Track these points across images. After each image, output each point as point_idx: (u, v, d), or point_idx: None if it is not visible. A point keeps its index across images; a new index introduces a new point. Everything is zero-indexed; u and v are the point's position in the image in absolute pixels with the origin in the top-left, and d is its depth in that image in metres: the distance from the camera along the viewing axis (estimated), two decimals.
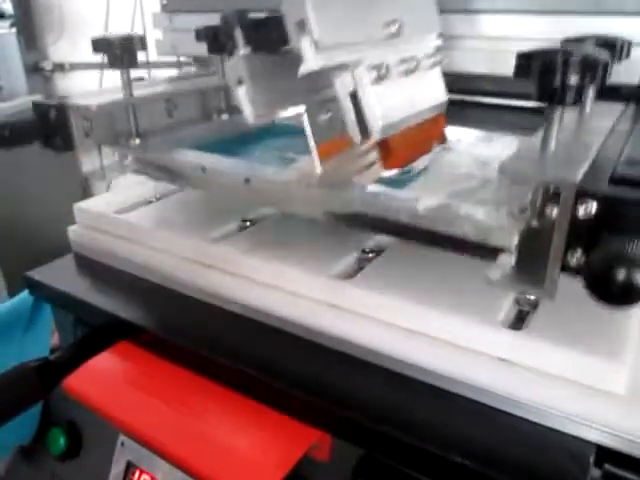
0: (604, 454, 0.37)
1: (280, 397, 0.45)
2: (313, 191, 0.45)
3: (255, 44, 0.42)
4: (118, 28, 1.50)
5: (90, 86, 1.75)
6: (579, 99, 0.33)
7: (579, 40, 0.49)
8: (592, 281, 0.31)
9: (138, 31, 1.43)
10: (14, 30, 1.77)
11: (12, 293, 0.67)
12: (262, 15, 0.41)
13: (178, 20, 0.87)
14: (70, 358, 0.53)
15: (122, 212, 0.64)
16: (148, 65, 1.58)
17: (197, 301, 0.55)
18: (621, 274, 0.29)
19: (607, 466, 0.37)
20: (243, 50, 0.42)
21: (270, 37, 0.40)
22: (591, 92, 0.46)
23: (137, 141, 0.60)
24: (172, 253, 0.57)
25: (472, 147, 0.60)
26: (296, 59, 0.38)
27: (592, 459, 0.36)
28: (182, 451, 0.45)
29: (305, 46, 0.37)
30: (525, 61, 0.34)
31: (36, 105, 0.55)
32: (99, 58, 1.64)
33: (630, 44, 0.51)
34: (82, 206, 0.65)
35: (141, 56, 0.58)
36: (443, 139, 0.52)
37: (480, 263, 0.50)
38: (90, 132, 0.57)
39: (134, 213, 0.64)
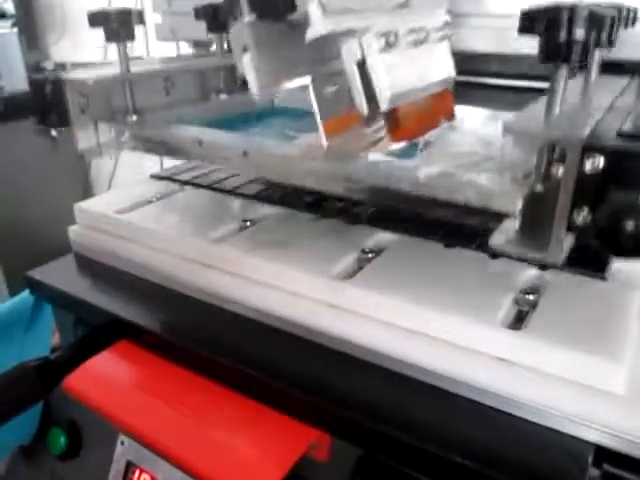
0: (603, 454, 0.37)
1: (280, 397, 0.45)
2: (313, 162, 0.44)
3: (260, 11, 0.40)
4: None
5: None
6: (584, 59, 0.32)
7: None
8: (601, 235, 0.30)
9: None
10: (15, 30, 1.77)
11: (13, 293, 0.67)
12: None
13: (177, 4, 0.85)
14: (70, 358, 0.53)
15: (122, 212, 0.64)
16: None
17: (197, 301, 0.55)
18: (630, 225, 0.29)
19: (606, 466, 0.37)
20: (248, 17, 0.41)
21: (276, 3, 0.38)
22: (597, 56, 0.45)
23: (134, 118, 0.59)
24: (172, 253, 0.57)
25: (477, 126, 0.59)
26: (302, 28, 0.37)
27: (591, 459, 0.36)
28: (182, 450, 0.45)
29: (312, 9, 0.36)
30: (529, 18, 0.33)
31: (32, 80, 0.54)
32: (101, 57, 1.64)
33: (636, 12, 0.49)
34: (82, 206, 0.65)
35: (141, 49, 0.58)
36: (451, 115, 0.51)
37: (479, 262, 0.50)
38: (86, 108, 0.56)
39: (134, 213, 0.64)
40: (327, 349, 0.47)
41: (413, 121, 0.46)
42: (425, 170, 0.39)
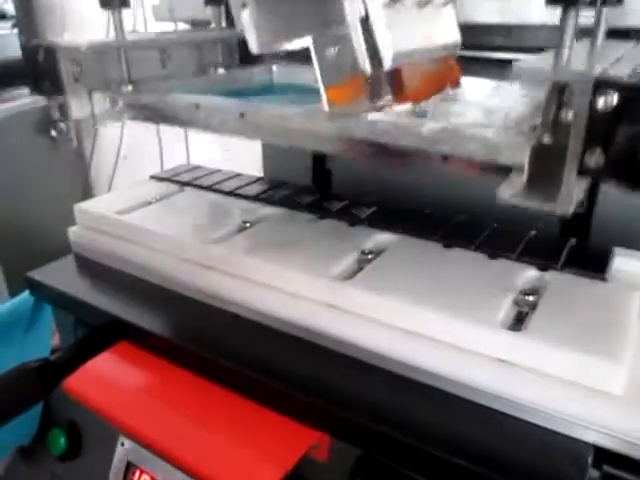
0: (602, 455, 0.37)
1: (279, 398, 0.45)
2: (313, 122, 0.43)
3: None
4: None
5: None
6: None
7: None
8: (617, 171, 0.30)
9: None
10: (16, 31, 1.77)
11: (13, 293, 0.67)
12: None
13: None
14: (70, 359, 0.53)
15: (122, 213, 0.64)
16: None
17: (197, 302, 0.55)
18: None
19: (605, 467, 0.37)
20: None
21: None
22: (604, 16, 0.44)
23: (129, 88, 0.58)
24: (172, 254, 0.57)
25: (480, 97, 0.58)
26: None
27: (590, 460, 0.36)
28: (182, 451, 0.45)
29: None
30: None
31: (24, 46, 0.54)
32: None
33: None
34: (82, 207, 0.66)
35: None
36: (457, 82, 0.51)
37: (479, 263, 0.50)
38: (80, 76, 0.55)
39: (134, 214, 0.64)
40: (327, 350, 0.47)
41: (417, 84, 0.45)
42: (428, 126, 0.38)
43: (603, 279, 0.47)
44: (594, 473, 0.37)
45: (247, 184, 0.71)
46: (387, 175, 0.75)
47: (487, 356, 0.41)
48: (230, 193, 0.68)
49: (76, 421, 0.62)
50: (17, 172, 1.59)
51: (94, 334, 0.56)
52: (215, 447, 0.45)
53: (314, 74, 0.43)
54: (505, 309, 0.44)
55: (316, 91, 0.43)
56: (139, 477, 0.54)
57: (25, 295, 0.65)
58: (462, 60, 0.49)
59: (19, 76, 0.55)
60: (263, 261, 0.52)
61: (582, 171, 0.32)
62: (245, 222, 0.60)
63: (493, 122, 0.44)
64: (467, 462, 0.37)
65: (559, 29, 0.34)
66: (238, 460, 0.43)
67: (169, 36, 0.68)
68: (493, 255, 0.51)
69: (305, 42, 0.43)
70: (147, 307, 0.55)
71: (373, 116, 0.42)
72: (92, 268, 0.63)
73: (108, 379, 0.53)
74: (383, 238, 0.56)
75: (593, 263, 0.49)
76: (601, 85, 0.30)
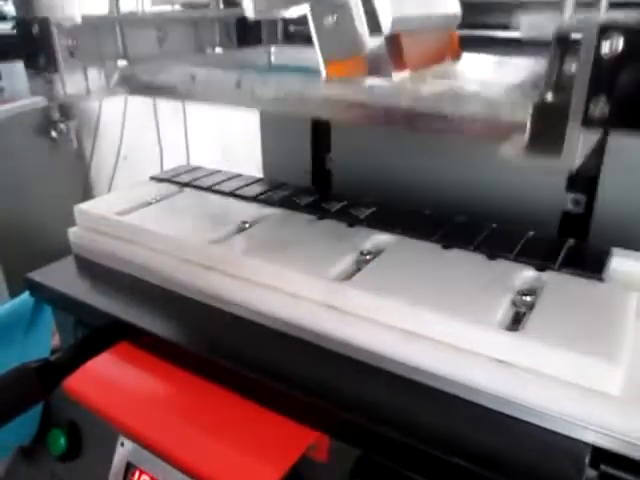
0: (600, 455, 0.37)
1: (278, 398, 0.45)
2: (310, 86, 0.43)
3: None
4: None
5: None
6: None
7: None
8: (624, 117, 0.29)
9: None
10: (16, 32, 1.77)
11: (13, 294, 0.67)
12: None
13: None
14: (70, 359, 0.53)
15: (122, 214, 0.64)
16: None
17: (196, 302, 0.55)
18: None
19: (603, 467, 0.37)
20: None
21: None
22: None
23: (124, 62, 0.57)
24: (172, 255, 0.57)
25: (480, 71, 0.58)
26: None
27: (588, 460, 0.37)
28: (181, 451, 0.45)
29: None
30: None
31: (18, 21, 0.53)
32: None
33: None
34: (82, 207, 0.66)
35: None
36: (457, 55, 0.51)
37: (477, 264, 0.50)
38: (75, 51, 0.54)
39: (134, 215, 0.64)
40: (325, 350, 0.48)
41: (417, 53, 0.45)
42: (428, 88, 0.38)
43: (600, 279, 0.48)
44: (591, 473, 0.37)
45: (247, 185, 0.71)
46: (386, 175, 0.75)
47: (485, 356, 0.41)
48: (230, 194, 0.68)
49: (76, 421, 0.63)
50: (17, 173, 1.59)
51: (94, 334, 0.56)
52: (214, 447, 0.45)
53: (313, 55, 0.42)
54: (503, 309, 0.44)
55: (315, 72, 0.43)
56: (139, 477, 0.54)
57: (25, 296, 0.65)
58: (464, 40, 0.49)
59: (13, 51, 0.54)
60: (262, 261, 0.52)
61: (586, 122, 0.31)
62: (244, 223, 0.60)
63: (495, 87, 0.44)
64: (465, 462, 0.37)
65: None
66: (237, 460, 0.44)
67: (166, 14, 0.67)
68: (492, 256, 0.51)
69: (303, 10, 0.42)
70: (147, 307, 0.56)
71: (372, 81, 0.42)
72: (92, 269, 0.63)
73: (108, 379, 0.53)
74: (382, 239, 0.56)
75: (591, 263, 0.50)
76: (606, 29, 0.30)
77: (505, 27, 0.63)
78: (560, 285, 0.47)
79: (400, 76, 0.44)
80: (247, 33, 0.73)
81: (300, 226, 0.59)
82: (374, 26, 0.40)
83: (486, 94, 0.36)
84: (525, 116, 0.34)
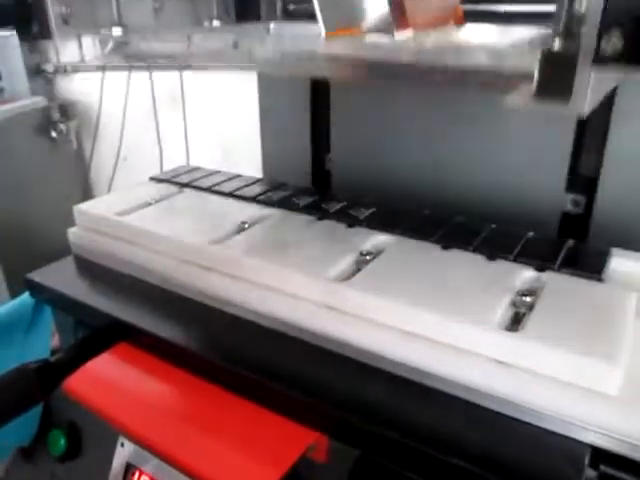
0: (599, 455, 0.37)
1: (278, 398, 0.45)
2: (309, 44, 0.43)
3: None
4: None
5: (91, 88, 1.76)
6: None
7: None
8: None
9: None
10: (16, 32, 1.78)
11: (14, 294, 0.67)
12: None
13: None
14: (70, 360, 0.53)
15: (122, 214, 0.64)
16: (149, 67, 1.58)
17: (196, 303, 0.55)
18: None
19: (602, 467, 0.37)
20: None
21: None
22: None
23: (119, 30, 0.56)
24: (171, 255, 0.57)
25: (485, 36, 0.56)
26: None
27: (587, 460, 0.37)
28: (181, 452, 0.45)
29: None
30: None
31: None
32: (101, 60, 1.64)
33: None
34: (82, 208, 0.66)
35: None
36: (461, 21, 0.50)
37: (477, 264, 0.50)
38: (69, 19, 0.53)
39: (134, 215, 0.64)
40: (325, 351, 0.48)
41: (420, 14, 0.44)
42: (430, 41, 0.37)
43: (600, 280, 0.48)
44: (591, 473, 0.37)
45: (246, 185, 0.71)
46: (386, 176, 0.75)
47: (484, 357, 0.41)
48: (229, 194, 0.68)
49: (76, 422, 0.63)
50: (17, 173, 1.59)
51: (94, 335, 0.56)
52: (214, 448, 0.45)
53: (312, 33, 0.42)
54: (502, 310, 0.44)
55: None
56: (138, 478, 0.55)
57: (25, 296, 0.65)
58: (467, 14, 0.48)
59: (6, 18, 0.53)
60: (262, 262, 0.52)
61: (598, 60, 0.30)
62: (244, 223, 0.60)
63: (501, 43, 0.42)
64: (465, 462, 0.37)
65: None
66: (237, 460, 0.44)
67: None
68: (491, 256, 0.51)
69: None
70: (146, 308, 0.56)
71: (372, 37, 0.41)
72: (92, 269, 0.63)
73: (108, 380, 0.53)
74: (381, 239, 0.56)
75: (590, 264, 0.50)
76: None
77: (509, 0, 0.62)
78: (560, 285, 0.47)
79: (402, 35, 0.43)
80: (246, 9, 0.72)
81: (300, 227, 0.59)
82: None
83: (491, 45, 0.35)
84: (532, 65, 0.32)
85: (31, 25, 0.50)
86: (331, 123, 0.79)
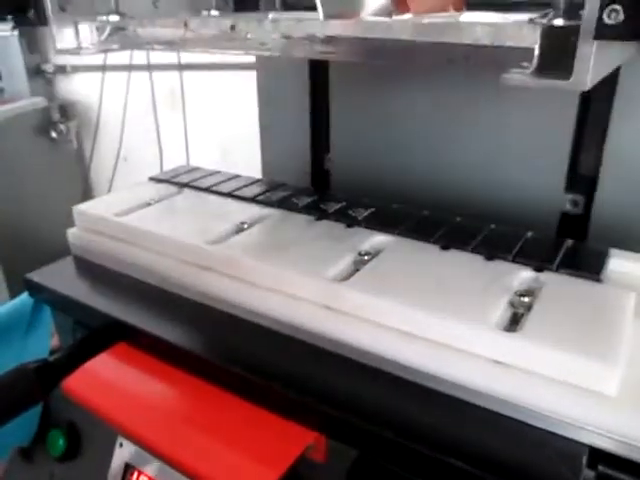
0: (598, 455, 0.37)
1: (276, 399, 0.45)
2: (308, 25, 0.42)
3: None
4: None
5: (91, 88, 1.76)
6: None
7: None
8: None
9: None
10: (16, 33, 1.78)
11: (14, 295, 0.67)
12: None
13: None
14: (69, 360, 0.53)
15: (121, 215, 0.64)
16: (149, 68, 1.58)
17: (195, 303, 0.55)
18: None
19: (601, 467, 0.37)
20: None
21: None
22: None
23: (116, 17, 0.56)
24: (170, 255, 0.57)
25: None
26: None
27: (585, 460, 0.37)
28: (179, 452, 0.45)
29: None
30: None
31: None
32: (100, 60, 1.65)
33: None
34: (81, 208, 0.66)
35: None
36: (460, 7, 0.50)
37: (475, 264, 0.50)
38: (66, 5, 0.53)
39: (133, 216, 0.64)
40: (323, 351, 0.48)
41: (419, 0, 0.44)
42: (428, 19, 0.37)
43: (598, 280, 0.48)
44: (589, 473, 0.37)
45: (245, 185, 0.71)
46: (385, 176, 0.76)
47: (482, 357, 0.41)
48: (229, 194, 0.69)
49: (75, 422, 0.63)
50: (17, 174, 1.59)
51: (93, 335, 0.56)
52: (212, 448, 0.45)
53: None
54: (501, 310, 0.44)
55: None
56: (137, 478, 0.55)
57: (24, 296, 0.65)
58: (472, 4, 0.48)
59: (2, 5, 0.53)
60: (260, 262, 0.52)
61: (600, 35, 0.30)
62: (243, 223, 0.60)
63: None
64: (462, 463, 0.37)
65: None
66: (235, 460, 0.44)
67: None
68: (490, 256, 0.51)
69: None
70: (145, 308, 0.56)
71: (371, 17, 0.41)
72: (91, 270, 0.63)
73: (107, 380, 0.53)
74: (380, 239, 0.56)
75: (589, 264, 0.50)
76: None
77: None
78: (558, 286, 0.47)
79: (402, 18, 0.43)
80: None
81: (298, 227, 0.59)
82: None
83: (492, 22, 0.35)
84: (533, 41, 0.32)
85: (27, 12, 0.50)
86: (330, 123, 0.79)
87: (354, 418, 0.41)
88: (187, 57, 1.56)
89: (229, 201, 0.67)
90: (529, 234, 0.55)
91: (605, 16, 0.30)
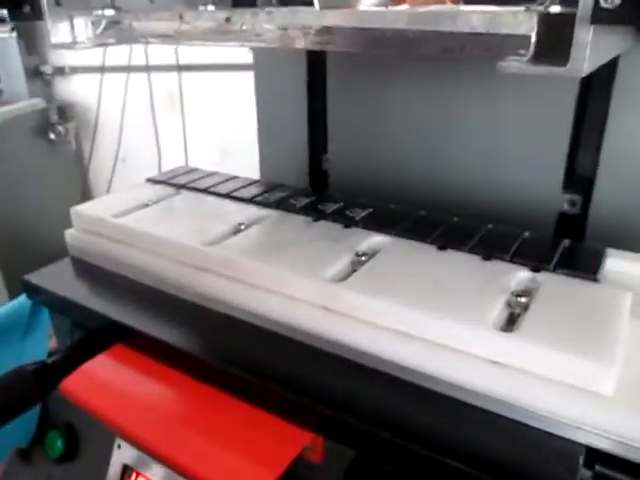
0: (594, 455, 0.37)
1: (274, 399, 0.45)
2: (304, 15, 0.42)
3: None
4: None
5: (90, 89, 1.76)
6: None
7: None
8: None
9: None
10: (15, 34, 1.78)
11: (13, 296, 0.67)
12: None
13: None
14: (67, 361, 0.53)
15: (119, 216, 0.64)
16: (147, 69, 1.58)
17: (192, 304, 0.55)
18: None
19: (597, 467, 0.37)
20: None
21: None
22: None
23: (112, 12, 0.56)
24: (168, 256, 0.57)
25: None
26: None
27: (582, 460, 0.37)
28: (177, 453, 0.45)
29: None
30: None
31: None
32: (99, 61, 1.65)
33: None
34: (79, 209, 0.66)
35: None
36: (457, 1, 0.51)
37: (472, 265, 0.50)
38: (62, 0, 0.53)
39: (130, 217, 0.64)
40: (321, 352, 0.48)
41: None
42: (425, 8, 0.37)
43: (595, 280, 0.48)
44: (586, 473, 0.37)
45: (243, 186, 0.71)
46: (383, 176, 0.76)
47: (479, 357, 0.41)
48: (226, 195, 0.69)
49: (73, 424, 0.63)
50: (16, 175, 1.59)
51: (91, 337, 0.56)
52: (210, 449, 0.45)
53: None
54: (497, 310, 0.44)
55: None
56: (135, 479, 0.55)
57: (22, 298, 0.65)
58: None
59: None
60: (258, 263, 0.52)
61: (596, 19, 0.30)
62: (241, 224, 0.60)
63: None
64: (459, 463, 0.37)
65: None
66: (233, 461, 0.44)
67: None
68: (487, 256, 0.51)
69: None
70: (143, 310, 0.56)
71: (367, 7, 0.41)
72: (88, 271, 0.63)
73: (104, 381, 0.53)
74: (377, 240, 0.56)
75: (585, 264, 0.50)
76: None
77: None
78: (555, 286, 0.47)
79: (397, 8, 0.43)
80: None
81: (296, 228, 0.59)
82: None
83: (488, 10, 0.35)
84: (530, 28, 0.32)
85: (22, 6, 0.49)
86: (328, 123, 0.79)
87: (351, 419, 0.41)
88: (185, 58, 1.56)
89: (227, 202, 0.67)
90: (526, 234, 0.56)
91: (602, 0, 0.30)
